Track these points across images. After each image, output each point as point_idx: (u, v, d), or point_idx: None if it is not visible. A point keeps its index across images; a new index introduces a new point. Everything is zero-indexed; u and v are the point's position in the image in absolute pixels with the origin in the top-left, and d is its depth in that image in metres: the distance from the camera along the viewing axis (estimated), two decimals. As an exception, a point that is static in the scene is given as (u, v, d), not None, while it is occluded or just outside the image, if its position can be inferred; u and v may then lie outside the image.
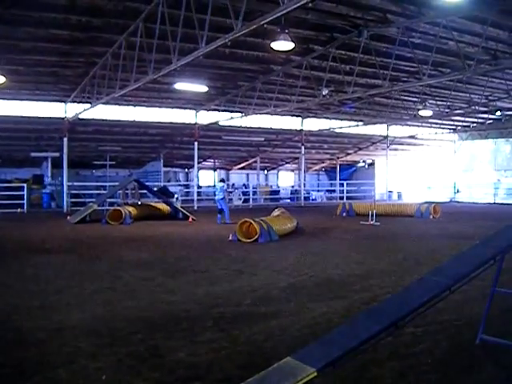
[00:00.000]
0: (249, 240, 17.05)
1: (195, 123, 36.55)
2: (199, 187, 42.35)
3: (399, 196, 49.57)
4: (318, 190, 49.86)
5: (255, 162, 46.37)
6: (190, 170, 44.16)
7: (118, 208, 25.15)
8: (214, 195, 25.91)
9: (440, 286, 5.61)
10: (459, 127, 47.70)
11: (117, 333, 7.30)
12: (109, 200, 29.68)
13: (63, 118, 31.71)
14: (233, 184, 46.53)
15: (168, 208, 27.35)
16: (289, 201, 45.21)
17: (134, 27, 19.04)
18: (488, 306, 6.85)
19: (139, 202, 28.09)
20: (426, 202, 33.34)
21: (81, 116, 29.86)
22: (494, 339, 6.70)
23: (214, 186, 42.10)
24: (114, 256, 14.54)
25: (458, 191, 48.73)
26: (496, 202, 44.51)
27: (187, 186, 43.15)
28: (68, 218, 25.35)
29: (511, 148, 46.81)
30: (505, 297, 7.49)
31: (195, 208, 35.00)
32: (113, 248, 16.24)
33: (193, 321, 7.88)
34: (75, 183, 33.46)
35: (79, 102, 29.46)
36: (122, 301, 9.15)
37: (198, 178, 41.65)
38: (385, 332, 5.05)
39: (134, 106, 34.06)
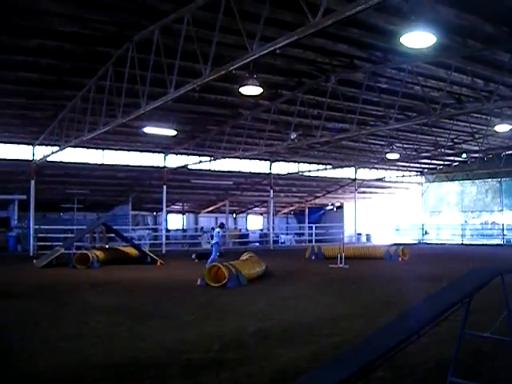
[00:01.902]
0: (217, 284, 16.90)
1: (164, 167, 36.55)
2: (168, 231, 42.11)
3: (368, 238, 49.81)
4: (287, 233, 49.87)
5: (224, 205, 46.37)
6: (159, 213, 43.93)
7: (86, 252, 24.86)
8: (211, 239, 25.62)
9: (408, 331, 5.60)
10: (426, 170, 48.29)
11: (82, 381, 7.17)
12: (76, 244, 29.31)
13: (31, 161, 31.48)
14: (201, 227, 46.34)
15: (136, 252, 27.09)
16: (258, 244, 45.19)
17: (103, 71, 19.09)
18: (457, 348, 6.85)
19: (107, 246, 27.82)
20: (395, 244, 33.55)
21: (49, 159, 29.67)
22: (464, 382, 6.70)
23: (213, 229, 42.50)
24: (80, 301, 14.33)
25: (426, 233, 49.12)
26: (464, 242, 44.98)
27: (156, 230, 42.89)
28: (34, 261, 25.00)
29: (477, 190, 47.47)
30: (473, 338, 7.51)
31: (163, 252, 34.72)
32: (79, 293, 16.00)
33: (160, 368, 7.76)
34: (42, 226, 33.01)
35: (47, 145, 29.36)
36: (88, 347, 8.98)
37: (166, 221, 41.49)
38: (353, 378, 5.02)
39: (103, 149, 34.01)
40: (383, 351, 5.29)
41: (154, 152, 36.11)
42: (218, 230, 24.15)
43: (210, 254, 24.05)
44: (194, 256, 28.08)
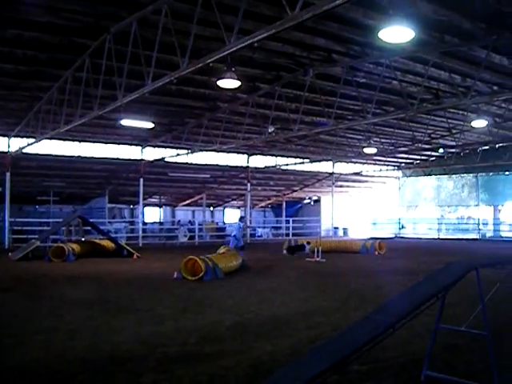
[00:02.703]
0: (194, 278, 16.87)
1: (141, 159, 36.40)
2: (144, 224, 41.92)
3: (345, 232, 49.95)
4: (264, 227, 49.85)
5: (201, 198, 46.27)
6: (136, 206, 43.72)
7: (62, 245, 24.68)
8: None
9: (383, 325, 5.61)
10: (403, 164, 48.55)
11: (57, 375, 7.11)
12: (52, 236, 29.11)
13: (6, 153, 31.16)
14: (178, 221, 46.21)
15: (113, 245, 26.94)
16: (235, 237, 45.10)
17: (80, 62, 18.93)
18: (432, 342, 6.89)
19: (83, 239, 27.64)
20: (371, 238, 33.69)
21: (25, 150, 29.41)
22: (439, 375, 6.74)
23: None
24: (56, 294, 14.21)
25: (402, 227, 49.40)
26: (440, 237, 45.30)
27: (132, 223, 42.67)
28: (10, 254, 24.75)
29: (454, 184, 47.79)
30: (448, 332, 7.55)
31: (140, 245, 34.59)
32: (55, 286, 15.90)
33: (136, 361, 7.71)
34: (18, 219, 32.71)
35: (23, 137, 29.12)
36: (63, 341, 8.91)
37: (143, 214, 41.31)
38: (329, 371, 5.02)
39: (80, 141, 33.77)
40: (359, 345, 5.30)
41: (131, 144, 35.96)
42: (238, 222, 24.18)
43: (301, 246, 25.07)
44: (284, 251, 27.96)
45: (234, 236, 23.51)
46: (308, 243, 26.58)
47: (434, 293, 6.22)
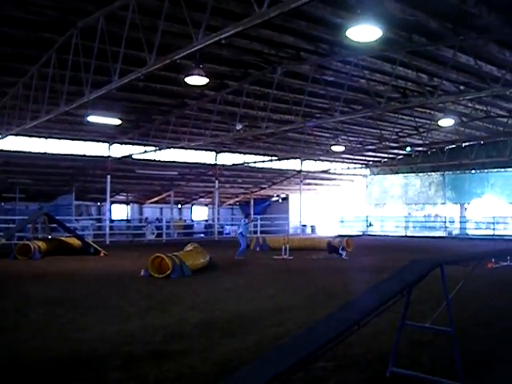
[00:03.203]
0: (161, 275, 16.80)
1: (108, 156, 36.06)
2: (112, 221, 41.65)
3: (313, 230, 50.12)
4: (232, 224, 49.85)
5: (169, 196, 46.11)
6: (103, 203, 43.38)
7: (27, 242, 24.43)
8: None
9: (348, 322, 5.64)
10: (371, 162, 48.86)
11: (21, 374, 7.03)
12: (18, 234, 28.81)
13: (-29, 149, 30.77)
14: (146, 218, 46.00)
15: (79, 242, 26.71)
16: (202, 235, 45.08)
17: (46, 58, 18.70)
18: (397, 338, 6.95)
19: (49, 237, 27.40)
20: (339, 236, 33.81)
21: (-11, 147, 29.06)
22: (404, 371, 6.80)
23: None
24: (20, 292, 14.07)
25: (370, 225, 49.67)
26: (407, 235, 45.66)
27: (99, 220, 42.34)
28: (-27, 252, 24.48)
29: (421, 183, 48.17)
30: (414, 329, 7.61)
31: (107, 242, 34.36)
32: (20, 284, 15.74)
33: (102, 360, 7.65)
34: (-18, 216, 32.37)
35: (-12, 133, 28.75)
36: (27, 340, 8.82)
37: (110, 211, 41.04)
38: (294, 368, 5.03)
39: (46, 137, 33.37)
40: (323, 342, 5.32)
41: (98, 141, 35.59)
42: (243, 220, 24.19)
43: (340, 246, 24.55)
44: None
45: (241, 233, 23.51)
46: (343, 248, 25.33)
47: (399, 290, 6.27)
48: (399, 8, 14.58)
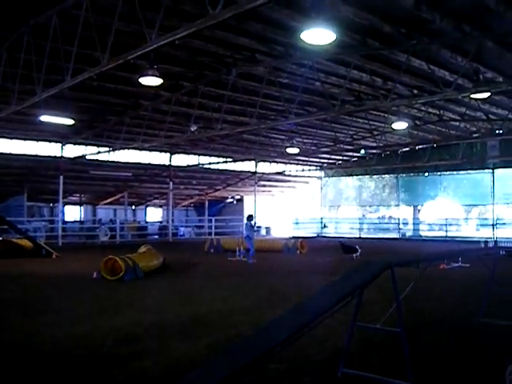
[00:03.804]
0: (114, 278, 16.64)
1: (61, 157, 35.51)
2: (64, 223, 41.14)
3: (268, 231, 50.23)
4: (187, 226, 49.68)
5: (123, 197, 45.76)
6: (55, 204, 42.82)
7: (-24, 244, 24.04)
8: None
9: (299, 323, 5.64)
10: (325, 164, 49.08)
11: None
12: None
13: None
14: (99, 219, 45.58)
15: (31, 244, 26.30)
16: (157, 236, 44.82)
17: (-3, 56, 18.41)
18: (348, 340, 6.99)
19: (0, 238, 26.94)
20: (293, 238, 33.95)
21: None
22: (355, 372, 6.84)
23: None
24: (-31, 295, 13.84)
25: (324, 226, 49.92)
26: (361, 236, 46.00)
27: (52, 222, 41.77)
28: None
29: (375, 185, 48.62)
30: (365, 330, 7.65)
31: (60, 244, 33.88)
32: (-31, 286, 15.48)
33: (51, 364, 7.53)
34: None
35: None
36: (-26, 344, 8.66)
37: (63, 213, 40.53)
38: (245, 370, 5.00)
39: (-3, 137, 32.86)
40: (275, 343, 5.30)
41: (50, 141, 35.08)
42: (246, 221, 24.00)
43: (353, 247, 24.59)
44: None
45: (248, 237, 23.26)
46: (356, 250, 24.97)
47: (350, 291, 6.30)
48: (353, 12, 14.64)
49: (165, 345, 8.60)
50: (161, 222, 50.53)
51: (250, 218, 24.44)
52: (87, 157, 35.54)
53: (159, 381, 6.81)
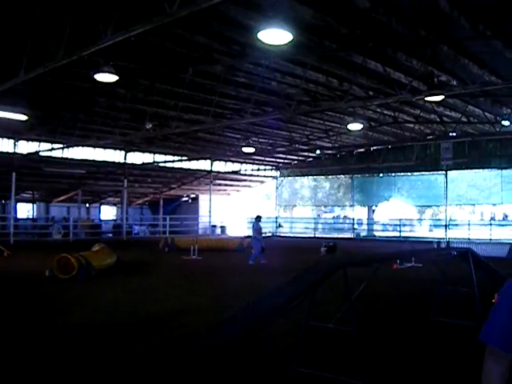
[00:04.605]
0: (66, 276, 16.43)
1: (14, 153, 34.97)
2: (16, 220, 40.52)
3: (223, 230, 50.18)
4: (141, 224, 49.39)
5: (77, 194, 45.25)
6: (7, 201, 42.11)
7: None
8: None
9: (251, 322, 5.64)
10: (281, 164, 49.22)
11: None
12: None
13: None
14: (52, 217, 45.01)
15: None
16: (111, 235, 44.46)
17: None
18: (300, 338, 7.01)
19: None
20: (248, 237, 33.94)
21: None
22: (308, 371, 6.87)
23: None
24: None
25: (279, 226, 50.03)
26: (316, 236, 46.20)
27: (3, 219, 41.09)
28: None
29: (330, 185, 48.93)
30: (319, 329, 7.69)
31: (12, 242, 33.35)
32: None
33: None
34: None
35: None
36: None
37: (15, 210, 39.92)
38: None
39: None
40: (226, 342, 5.30)
41: (3, 137, 34.51)
42: (254, 221, 23.56)
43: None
44: (322, 251, 26.99)
45: (256, 238, 22.89)
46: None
47: (302, 291, 6.32)
48: (310, 13, 14.70)
49: (117, 344, 8.53)
50: (115, 221, 50.11)
51: (259, 218, 23.78)
52: (41, 153, 35.01)
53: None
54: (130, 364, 7.44)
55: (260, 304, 6.42)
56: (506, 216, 47.07)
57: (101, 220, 50.23)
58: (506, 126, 27.71)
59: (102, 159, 40.45)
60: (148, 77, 22.41)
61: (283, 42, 14.29)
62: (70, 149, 34.34)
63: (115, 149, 40.14)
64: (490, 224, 41.85)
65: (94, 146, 36.73)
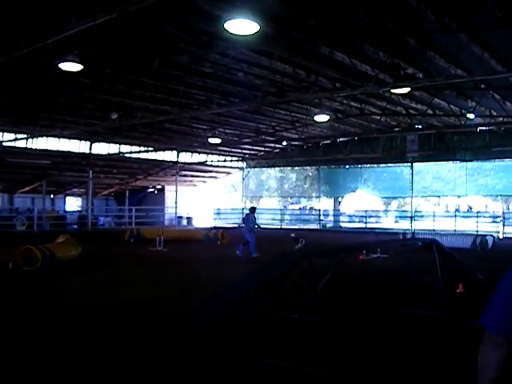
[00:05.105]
0: (30, 268, 16.23)
1: (-24, 143, 34.55)
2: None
3: (189, 221, 50.02)
4: (107, 216, 49.04)
5: (41, 185, 44.74)
6: (-30, 192, 41.62)
7: None
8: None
9: (217, 312, 5.63)
10: (247, 155, 49.16)
11: None
12: None
13: None
14: (16, 208, 44.47)
15: None
16: (76, 226, 44.08)
17: None
18: (266, 329, 7.00)
19: None
20: (214, 228, 33.93)
21: None
22: (273, 362, 6.87)
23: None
24: None
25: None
26: (282, 227, 46.27)
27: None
28: None
29: (297, 176, 49.06)
30: (285, 319, 7.70)
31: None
32: None
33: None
34: None
35: None
36: None
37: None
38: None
39: None
40: (193, 332, 5.28)
41: (-35, 127, 34.06)
42: (248, 214, 23.36)
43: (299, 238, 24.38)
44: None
45: (250, 229, 22.71)
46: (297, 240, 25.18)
47: (267, 281, 6.31)
48: (278, 4, 14.65)
49: (81, 337, 8.44)
50: (80, 212, 49.66)
51: (253, 210, 23.77)
52: (4, 144, 34.52)
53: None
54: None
55: (226, 294, 6.40)
56: (471, 208, 47.60)
57: (66, 211, 49.75)
58: (471, 119, 27.93)
59: (66, 150, 39.89)
60: (113, 66, 22.18)
61: (250, 33, 14.24)
62: (35, 139, 33.90)
63: (80, 139, 39.65)
64: (455, 216, 42.39)
65: (59, 137, 36.30)
